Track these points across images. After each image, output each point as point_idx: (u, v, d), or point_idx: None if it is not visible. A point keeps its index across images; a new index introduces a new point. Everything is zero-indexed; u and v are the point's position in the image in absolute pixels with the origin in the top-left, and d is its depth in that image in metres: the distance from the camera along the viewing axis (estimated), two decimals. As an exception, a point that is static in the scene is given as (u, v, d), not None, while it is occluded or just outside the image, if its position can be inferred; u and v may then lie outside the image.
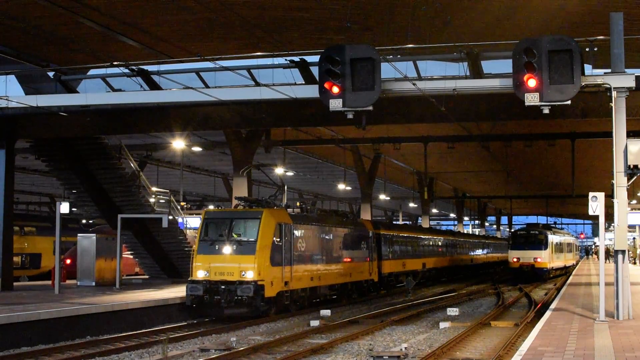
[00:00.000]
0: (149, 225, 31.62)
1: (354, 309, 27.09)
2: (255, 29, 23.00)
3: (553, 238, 48.72)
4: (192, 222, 36.74)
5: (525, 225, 54.17)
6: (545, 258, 46.49)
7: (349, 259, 29.40)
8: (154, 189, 33.83)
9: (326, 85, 17.46)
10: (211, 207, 58.53)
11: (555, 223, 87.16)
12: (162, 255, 33.08)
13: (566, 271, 54.31)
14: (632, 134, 18.09)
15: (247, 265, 22.25)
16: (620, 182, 16.65)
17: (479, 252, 63.35)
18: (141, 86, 24.00)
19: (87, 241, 29.69)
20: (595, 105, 22.70)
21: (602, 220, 16.83)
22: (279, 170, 39.32)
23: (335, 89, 17.39)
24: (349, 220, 31.35)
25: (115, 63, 22.68)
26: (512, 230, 60.32)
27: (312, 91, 19.76)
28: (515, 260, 46.48)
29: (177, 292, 24.74)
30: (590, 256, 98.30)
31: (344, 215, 32.68)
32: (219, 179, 55.81)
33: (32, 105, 22.93)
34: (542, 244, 46.82)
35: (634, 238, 60.49)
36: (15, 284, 28.37)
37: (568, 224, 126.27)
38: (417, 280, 39.35)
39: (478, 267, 61.87)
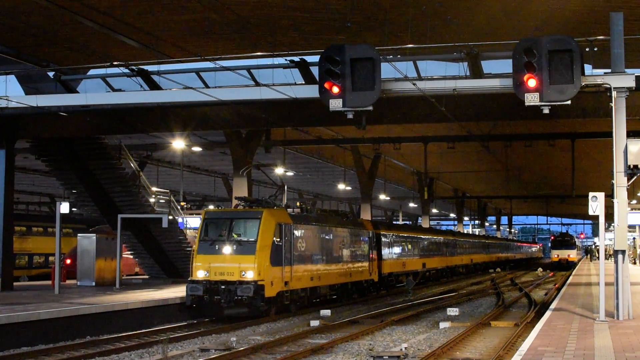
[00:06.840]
0: (149, 225, 31.61)
1: (354, 309, 27.06)
2: (255, 29, 23.00)
3: (577, 242, 75.36)
4: (192, 222, 36.73)
5: (559, 234, 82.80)
6: (574, 255, 74.18)
7: (349, 259, 29.38)
8: (154, 189, 33.82)
9: (326, 85, 17.43)
10: (211, 207, 58.56)
11: (564, 225, 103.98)
12: (162, 255, 33.06)
13: (578, 262, 73.96)
14: (632, 134, 18.06)
15: (247, 265, 22.23)
16: (620, 182, 16.63)
17: (479, 252, 63.37)
18: (141, 86, 23.99)
19: (87, 241, 29.62)
20: (595, 105, 22.70)
21: (602, 220, 16.83)
22: (279, 170, 39.31)
23: (335, 89, 17.36)
24: (349, 220, 31.32)
25: (115, 63, 22.68)
26: (553, 236, 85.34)
27: (312, 91, 19.74)
28: (556, 256, 73.01)
29: (177, 292, 24.73)
30: (587, 256, 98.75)
31: (344, 215, 32.65)
32: (219, 179, 55.82)
33: (32, 105, 22.90)
34: (573, 246, 74.26)
35: (634, 238, 60.50)
36: (15, 284, 28.37)
37: (568, 224, 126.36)
38: (417, 280, 39.33)
39: (478, 266, 61.90)
